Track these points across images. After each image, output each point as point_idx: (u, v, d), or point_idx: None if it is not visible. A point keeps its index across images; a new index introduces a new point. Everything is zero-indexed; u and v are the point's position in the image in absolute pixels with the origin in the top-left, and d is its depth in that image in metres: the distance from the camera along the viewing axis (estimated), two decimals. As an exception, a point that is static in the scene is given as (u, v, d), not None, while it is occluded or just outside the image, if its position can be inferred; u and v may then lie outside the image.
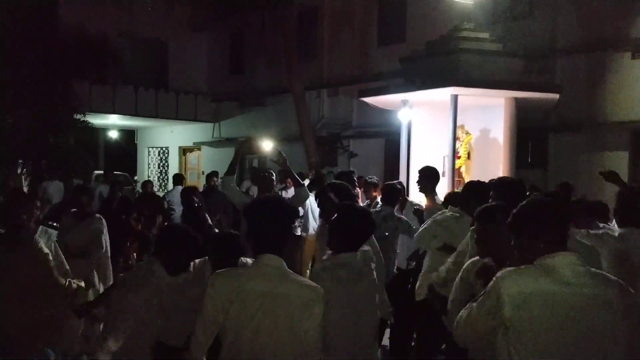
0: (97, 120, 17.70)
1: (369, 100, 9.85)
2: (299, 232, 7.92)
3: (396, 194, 5.86)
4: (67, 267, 4.43)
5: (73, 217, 5.62)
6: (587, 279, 2.22)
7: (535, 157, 11.78)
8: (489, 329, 2.35)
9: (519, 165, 9.31)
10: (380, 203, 6.15)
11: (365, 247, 3.31)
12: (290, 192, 7.97)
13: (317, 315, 2.43)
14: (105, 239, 5.59)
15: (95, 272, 5.42)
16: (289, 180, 7.96)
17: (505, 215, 3.03)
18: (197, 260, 3.80)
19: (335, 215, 3.28)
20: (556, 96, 8.95)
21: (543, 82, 10.86)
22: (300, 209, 7.29)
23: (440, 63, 8.76)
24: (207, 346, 2.63)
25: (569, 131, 11.51)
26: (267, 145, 5.29)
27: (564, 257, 2.25)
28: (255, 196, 5.86)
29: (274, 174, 5.67)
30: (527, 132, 10.24)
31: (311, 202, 7.64)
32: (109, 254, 5.69)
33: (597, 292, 2.19)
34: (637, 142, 10.80)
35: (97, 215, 5.81)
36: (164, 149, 22.83)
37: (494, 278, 2.34)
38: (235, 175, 5.14)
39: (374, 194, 7.05)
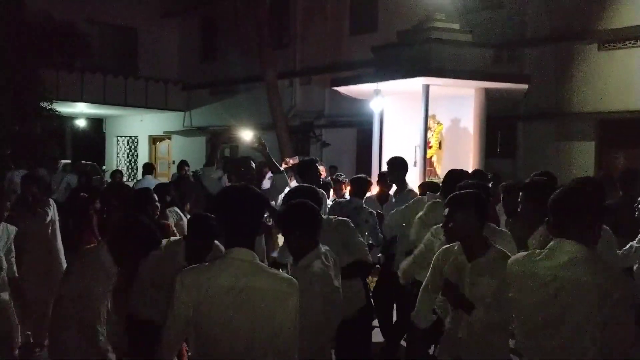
0: (64, 108, 17.34)
1: (341, 89, 9.86)
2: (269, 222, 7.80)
3: (364, 186, 5.86)
4: (14, 269, 4.43)
5: (28, 208, 5.60)
6: (579, 266, 2.39)
7: (505, 147, 11.96)
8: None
9: (489, 155, 9.45)
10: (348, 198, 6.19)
11: (324, 248, 3.20)
12: (265, 184, 7.78)
13: (292, 309, 2.32)
14: (53, 217, 5.66)
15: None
16: (266, 168, 7.81)
17: (475, 201, 3.09)
18: (171, 239, 3.78)
19: (283, 219, 3.12)
20: (525, 86, 9.09)
21: (512, 73, 11.02)
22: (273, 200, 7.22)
23: (412, 53, 8.80)
24: (177, 345, 2.51)
25: (537, 121, 11.70)
26: (246, 134, 5.22)
27: (567, 244, 2.44)
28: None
29: (253, 164, 5.49)
30: (496, 121, 10.39)
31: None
32: (59, 236, 5.76)
33: (587, 279, 2.35)
34: (603, 133, 11.04)
35: (48, 199, 5.87)
36: (133, 138, 22.50)
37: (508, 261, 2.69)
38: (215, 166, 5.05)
39: (342, 191, 7.13)
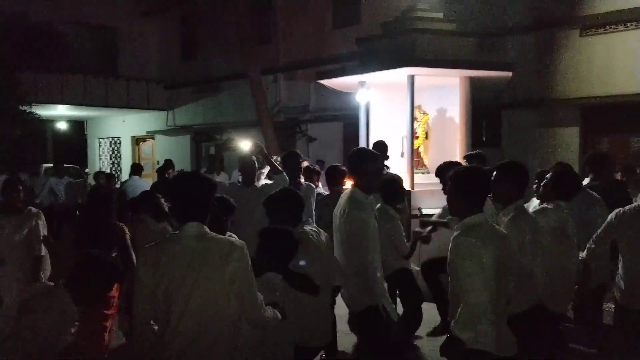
0: (44, 111, 17.10)
1: (326, 82, 9.80)
2: None
3: (341, 176, 5.82)
4: None
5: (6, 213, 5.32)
6: None
7: (490, 135, 11.99)
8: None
9: (475, 144, 9.43)
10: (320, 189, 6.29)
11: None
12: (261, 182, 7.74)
13: (239, 260, 2.68)
14: (33, 226, 5.35)
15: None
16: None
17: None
18: None
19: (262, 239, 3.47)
20: (509, 74, 9.10)
21: (496, 61, 11.03)
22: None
23: (396, 44, 8.77)
24: (149, 317, 2.71)
25: (521, 108, 11.74)
26: (245, 144, 5.79)
27: None
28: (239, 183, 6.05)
29: (256, 161, 5.86)
30: (481, 110, 10.39)
31: None
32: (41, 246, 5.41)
33: None
34: (587, 118, 11.10)
35: (33, 209, 5.53)
36: (115, 139, 22.28)
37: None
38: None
39: (317, 182, 7.15)
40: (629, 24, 10.42)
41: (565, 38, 11.21)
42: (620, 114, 10.49)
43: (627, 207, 4.08)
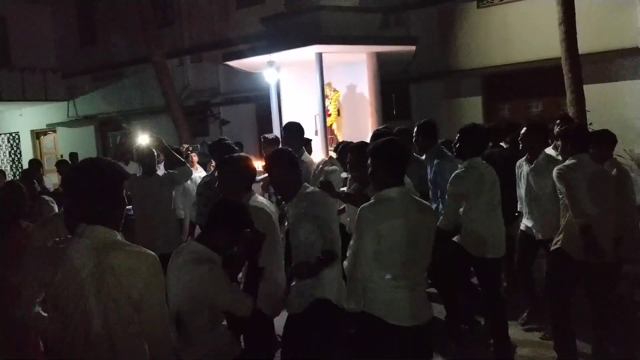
0: None
1: (234, 64, 9.63)
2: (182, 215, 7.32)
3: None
4: None
5: None
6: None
7: (400, 109, 12.27)
8: None
9: (386, 118, 9.64)
10: None
11: None
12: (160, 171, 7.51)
13: (144, 282, 2.12)
14: None
15: None
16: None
17: None
18: None
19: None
20: (413, 48, 9.31)
21: (400, 35, 11.25)
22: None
23: (302, 21, 8.75)
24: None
25: (427, 81, 12.08)
26: (142, 138, 5.56)
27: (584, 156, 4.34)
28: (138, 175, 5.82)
29: (154, 151, 5.68)
30: (390, 85, 10.61)
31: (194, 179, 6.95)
32: None
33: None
34: (488, 87, 11.60)
35: None
36: (13, 134, 20.93)
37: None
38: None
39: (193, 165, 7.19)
40: (522, -6, 10.95)
41: (464, 10, 11.60)
42: (519, 81, 11.05)
43: (566, 164, 4.27)
